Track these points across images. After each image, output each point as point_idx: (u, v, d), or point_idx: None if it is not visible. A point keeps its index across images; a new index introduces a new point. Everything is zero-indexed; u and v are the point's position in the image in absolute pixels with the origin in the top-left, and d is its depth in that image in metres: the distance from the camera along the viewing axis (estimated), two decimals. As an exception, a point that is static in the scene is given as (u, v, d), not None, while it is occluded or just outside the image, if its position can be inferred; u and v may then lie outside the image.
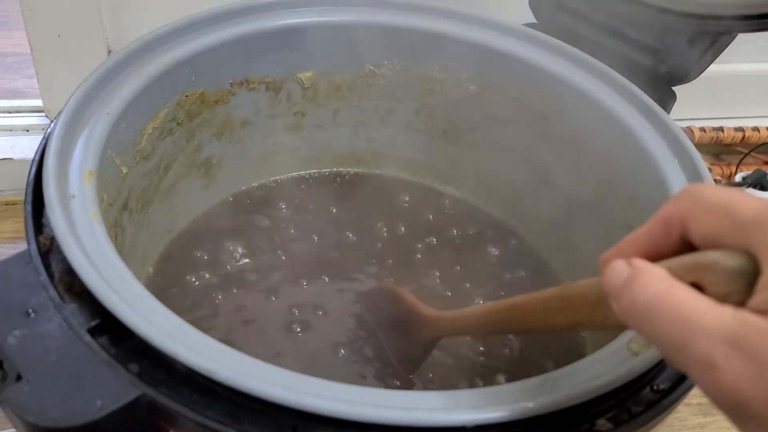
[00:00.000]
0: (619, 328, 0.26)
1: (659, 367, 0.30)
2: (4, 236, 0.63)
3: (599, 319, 0.26)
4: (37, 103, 0.67)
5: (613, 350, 0.30)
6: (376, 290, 0.47)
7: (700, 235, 0.23)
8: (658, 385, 0.30)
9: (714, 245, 0.22)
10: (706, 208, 0.23)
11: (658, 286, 0.22)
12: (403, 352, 0.42)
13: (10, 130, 0.67)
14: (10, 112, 0.68)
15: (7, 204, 0.65)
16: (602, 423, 0.28)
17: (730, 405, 0.20)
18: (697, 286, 0.22)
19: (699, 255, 0.23)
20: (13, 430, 0.48)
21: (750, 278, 0.21)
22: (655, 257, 0.24)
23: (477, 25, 0.49)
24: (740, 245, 0.21)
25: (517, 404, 0.26)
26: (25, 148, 0.66)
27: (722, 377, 0.19)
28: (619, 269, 0.23)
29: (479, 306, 0.35)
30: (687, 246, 0.23)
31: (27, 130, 0.67)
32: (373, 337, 0.44)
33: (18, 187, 0.66)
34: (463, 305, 0.46)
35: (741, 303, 0.21)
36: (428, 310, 0.40)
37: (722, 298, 0.21)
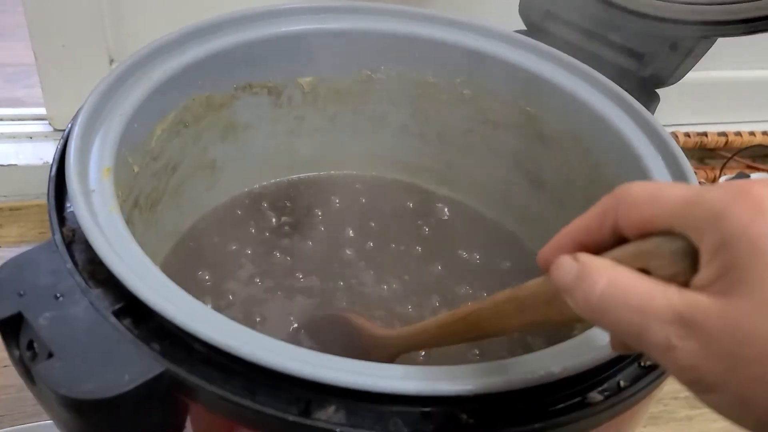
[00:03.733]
0: (578, 321, 0.25)
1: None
2: (9, 240, 0.64)
3: (556, 316, 0.26)
4: (40, 111, 0.69)
5: (603, 328, 0.32)
6: (321, 318, 0.46)
7: (629, 224, 0.23)
8: (645, 362, 0.32)
9: (644, 233, 0.23)
10: (634, 200, 0.23)
11: (607, 277, 0.22)
12: None
13: (14, 138, 0.69)
14: (13, 120, 0.70)
15: (11, 209, 0.66)
16: (594, 395, 0.30)
17: (691, 380, 0.21)
18: (644, 272, 0.22)
19: (642, 242, 0.23)
20: (29, 424, 0.49)
21: (693, 258, 0.21)
22: (590, 250, 0.24)
23: (470, 32, 0.51)
24: (669, 229, 0.22)
25: (515, 376, 0.28)
26: (29, 155, 0.68)
27: (679, 356, 0.20)
28: (566, 266, 0.23)
29: (434, 319, 0.35)
30: (619, 239, 0.24)
31: (30, 137, 0.69)
32: None
33: (22, 192, 0.68)
34: (461, 304, 0.49)
35: (686, 282, 0.21)
36: (381, 330, 0.39)
37: (669, 280, 0.22)
